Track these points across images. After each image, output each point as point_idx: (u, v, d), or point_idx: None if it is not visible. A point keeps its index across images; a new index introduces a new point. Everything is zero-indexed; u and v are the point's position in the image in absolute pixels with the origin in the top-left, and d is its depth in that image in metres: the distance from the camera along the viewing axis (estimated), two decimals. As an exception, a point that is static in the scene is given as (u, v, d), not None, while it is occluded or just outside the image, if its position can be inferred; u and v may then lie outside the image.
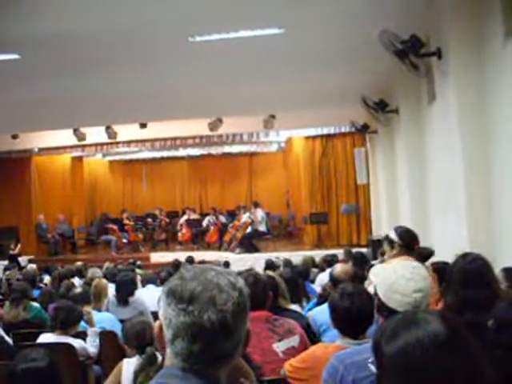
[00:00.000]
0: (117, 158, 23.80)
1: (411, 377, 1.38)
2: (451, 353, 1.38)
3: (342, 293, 3.21)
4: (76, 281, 9.31)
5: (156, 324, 1.56)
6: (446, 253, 5.61)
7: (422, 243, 9.32)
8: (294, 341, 3.72)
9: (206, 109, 13.82)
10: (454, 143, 6.99)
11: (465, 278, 3.32)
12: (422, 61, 7.54)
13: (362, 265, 7.64)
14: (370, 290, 3.27)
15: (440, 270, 4.49)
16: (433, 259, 5.51)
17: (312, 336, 4.28)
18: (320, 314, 4.62)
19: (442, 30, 7.10)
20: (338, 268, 5.16)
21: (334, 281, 4.90)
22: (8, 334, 5.87)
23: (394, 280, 2.56)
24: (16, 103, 11.93)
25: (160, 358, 3.85)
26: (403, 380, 1.39)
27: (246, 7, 7.66)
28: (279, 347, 3.64)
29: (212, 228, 18.92)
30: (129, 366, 3.97)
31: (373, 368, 1.56)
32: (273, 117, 14.95)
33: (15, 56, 8.92)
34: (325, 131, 17.40)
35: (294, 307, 5.40)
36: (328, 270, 8.29)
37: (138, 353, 4.01)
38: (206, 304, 1.45)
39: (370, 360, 1.61)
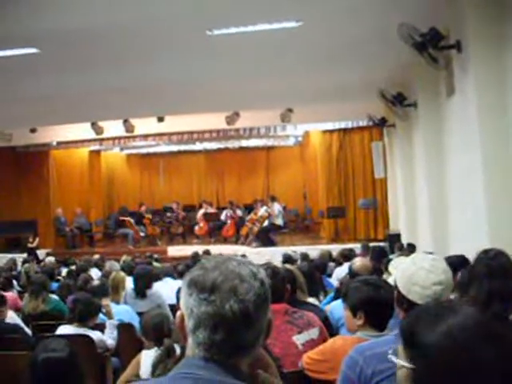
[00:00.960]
0: (134, 151, 23.90)
1: (458, 360, 1.36)
2: (493, 337, 1.37)
3: (366, 282, 3.18)
4: (94, 272, 9.36)
5: (177, 314, 1.55)
6: (464, 250, 5.57)
7: (440, 240, 9.36)
8: (313, 333, 3.71)
9: (224, 102, 13.82)
10: (473, 139, 6.94)
11: (490, 271, 3.29)
12: (441, 54, 7.48)
13: (380, 259, 7.60)
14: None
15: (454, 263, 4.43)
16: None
17: (330, 330, 4.27)
18: (338, 308, 4.60)
19: (462, 22, 7.03)
20: (358, 262, 5.14)
21: (353, 274, 4.88)
22: (27, 326, 5.92)
23: (414, 272, 2.55)
24: (35, 97, 12.00)
25: (178, 350, 3.87)
26: (449, 364, 1.37)
27: (264, 0, 7.64)
28: (299, 339, 3.63)
29: (229, 222, 18.95)
30: (147, 357, 3.98)
31: (394, 359, 1.53)
32: (290, 110, 14.92)
33: (34, 50, 8.96)
34: (342, 125, 17.33)
35: (312, 300, 5.39)
36: (345, 265, 8.28)
37: (155, 345, 4.02)
38: (228, 294, 1.45)
39: (390, 351, 1.57)
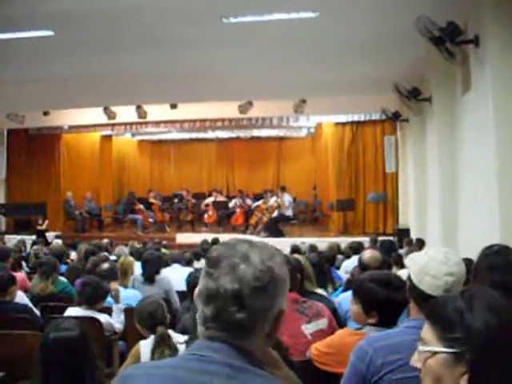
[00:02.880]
0: (146, 137, 23.91)
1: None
2: None
3: (380, 281, 3.16)
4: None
5: (196, 290, 1.57)
6: (474, 247, 5.53)
7: (450, 236, 9.32)
8: (322, 323, 3.71)
9: (237, 91, 13.80)
10: (488, 136, 6.89)
11: (491, 265, 3.29)
12: (458, 48, 7.43)
13: (389, 252, 7.58)
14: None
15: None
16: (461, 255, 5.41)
17: (338, 321, 4.26)
18: (346, 301, 4.59)
19: (481, 17, 6.99)
20: (368, 254, 5.12)
21: (363, 266, 4.86)
22: (35, 306, 5.94)
23: (427, 262, 2.54)
24: (49, 80, 12.03)
25: (181, 338, 3.91)
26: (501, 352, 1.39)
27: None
28: (308, 329, 3.63)
29: (238, 211, 18.95)
30: (145, 346, 4.00)
31: (425, 348, 1.53)
32: (304, 101, 14.86)
33: (49, 33, 8.97)
34: (355, 118, 17.28)
35: (320, 291, 5.39)
36: (354, 257, 8.27)
37: (151, 333, 4.05)
38: (226, 270, 1.47)
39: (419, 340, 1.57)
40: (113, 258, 9.07)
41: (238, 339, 1.47)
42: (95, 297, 5.46)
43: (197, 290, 1.55)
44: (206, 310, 1.48)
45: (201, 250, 10.37)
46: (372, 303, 3.12)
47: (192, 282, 5.21)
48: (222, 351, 1.45)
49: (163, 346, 3.84)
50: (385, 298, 3.06)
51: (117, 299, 5.95)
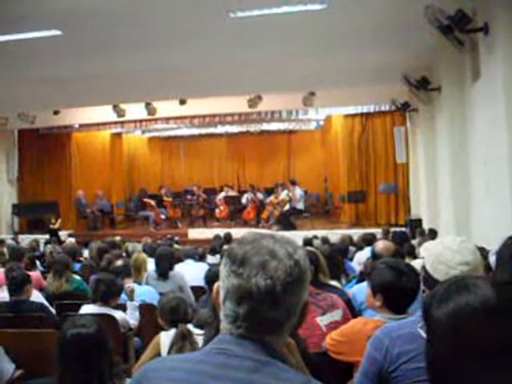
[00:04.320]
0: (155, 134, 23.94)
1: (459, 340, 1.37)
2: (502, 318, 1.36)
3: (390, 266, 3.16)
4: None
5: (215, 285, 1.56)
6: (487, 236, 5.52)
7: (463, 226, 9.29)
8: (337, 315, 3.71)
9: (246, 85, 13.79)
10: (499, 124, 6.85)
11: None
12: (467, 37, 7.39)
13: (401, 243, 7.56)
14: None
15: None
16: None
17: (352, 313, 4.26)
18: (360, 292, 4.59)
19: (490, 4, 6.94)
20: (381, 244, 5.12)
21: (376, 256, 4.86)
22: (51, 305, 5.98)
23: (441, 251, 2.55)
24: (58, 79, 12.07)
25: (198, 331, 3.92)
26: (451, 343, 1.38)
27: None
28: (322, 321, 3.64)
29: (249, 205, 18.95)
30: (166, 338, 4.02)
31: (422, 332, 1.56)
32: (312, 94, 14.84)
33: (57, 32, 8.99)
34: (364, 109, 17.24)
35: (333, 283, 5.39)
36: (366, 249, 8.26)
37: (171, 327, 4.07)
38: (256, 268, 1.44)
39: (419, 324, 1.60)
40: (124, 255, 9.11)
41: (267, 335, 1.47)
42: (109, 294, 5.48)
43: (217, 287, 1.54)
44: (237, 309, 1.45)
45: (217, 245, 10.38)
46: (377, 284, 3.14)
47: (211, 277, 5.23)
48: (246, 345, 1.44)
49: (181, 343, 3.86)
50: (389, 281, 3.08)
51: (131, 296, 5.97)
